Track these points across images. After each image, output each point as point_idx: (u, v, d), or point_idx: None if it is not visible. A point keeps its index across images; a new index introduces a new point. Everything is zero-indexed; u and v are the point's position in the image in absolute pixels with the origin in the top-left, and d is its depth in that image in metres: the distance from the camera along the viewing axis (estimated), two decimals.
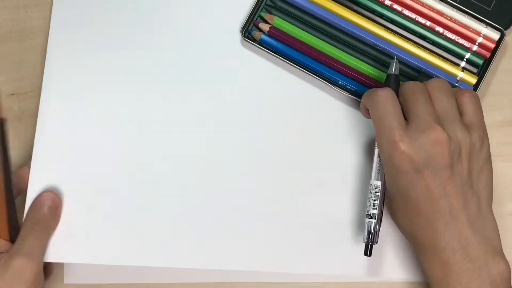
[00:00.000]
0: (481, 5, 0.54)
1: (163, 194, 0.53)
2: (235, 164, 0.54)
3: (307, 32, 0.54)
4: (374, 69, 0.54)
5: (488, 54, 0.54)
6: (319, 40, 0.54)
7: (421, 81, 0.54)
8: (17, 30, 0.55)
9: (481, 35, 0.54)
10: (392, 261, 0.54)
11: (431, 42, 0.54)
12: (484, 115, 0.56)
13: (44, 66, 0.54)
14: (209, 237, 0.53)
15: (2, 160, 0.47)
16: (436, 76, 0.54)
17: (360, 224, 0.53)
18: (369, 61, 0.54)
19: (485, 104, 0.56)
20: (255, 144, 0.54)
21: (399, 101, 0.47)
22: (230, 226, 0.53)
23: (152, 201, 0.53)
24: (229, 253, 0.53)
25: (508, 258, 0.56)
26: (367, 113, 0.49)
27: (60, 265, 0.53)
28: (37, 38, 0.55)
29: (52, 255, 0.51)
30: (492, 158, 0.56)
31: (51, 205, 0.50)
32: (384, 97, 0.46)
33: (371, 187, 0.49)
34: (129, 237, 0.52)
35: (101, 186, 0.53)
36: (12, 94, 0.55)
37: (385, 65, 0.54)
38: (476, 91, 0.54)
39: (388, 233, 0.53)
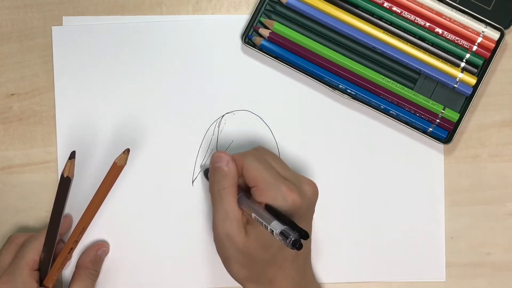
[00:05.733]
0: (481, 4, 0.54)
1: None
2: None
3: (306, 36, 0.54)
4: (374, 72, 0.54)
5: (488, 54, 0.54)
6: (319, 44, 0.54)
7: (421, 83, 0.54)
8: (17, 30, 0.55)
9: (481, 35, 0.54)
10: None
11: (430, 43, 0.54)
12: (483, 115, 0.56)
13: (43, 66, 0.55)
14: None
15: (56, 214, 0.49)
16: (436, 78, 0.54)
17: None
18: (369, 64, 0.54)
19: (484, 104, 0.56)
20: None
21: None
22: None
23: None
24: None
25: (508, 258, 0.56)
26: None
27: None
28: (37, 38, 0.55)
29: None
30: (492, 158, 0.56)
31: (102, 254, 0.54)
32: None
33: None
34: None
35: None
36: (12, 94, 0.55)
37: (385, 68, 0.54)
38: (475, 91, 0.54)
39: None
